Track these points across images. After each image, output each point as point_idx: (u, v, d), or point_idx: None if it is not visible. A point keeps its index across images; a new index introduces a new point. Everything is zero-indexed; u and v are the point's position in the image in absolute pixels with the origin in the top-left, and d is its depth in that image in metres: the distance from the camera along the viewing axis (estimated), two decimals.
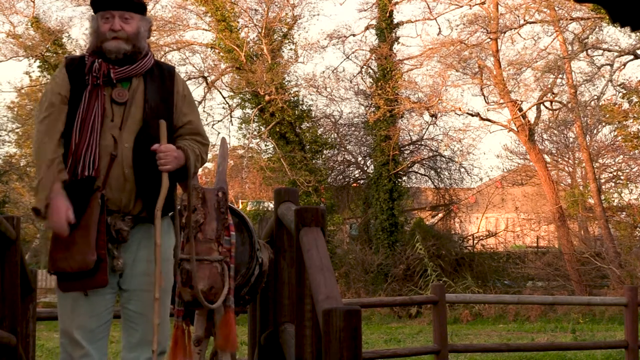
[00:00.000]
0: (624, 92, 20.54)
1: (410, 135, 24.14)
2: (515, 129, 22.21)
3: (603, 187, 23.43)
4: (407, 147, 23.98)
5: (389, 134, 21.76)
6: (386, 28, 22.51)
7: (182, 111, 3.62)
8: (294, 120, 22.24)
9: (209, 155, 3.85)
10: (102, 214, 3.40)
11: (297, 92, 23.00)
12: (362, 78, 24.20)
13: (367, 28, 23.64)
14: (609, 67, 20.71)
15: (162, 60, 23.30)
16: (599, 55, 21.45)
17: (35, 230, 30.51)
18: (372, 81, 23.34)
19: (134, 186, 3.46)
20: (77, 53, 22.30)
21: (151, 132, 3.48)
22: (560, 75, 22.00)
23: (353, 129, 25.01)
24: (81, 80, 3.49)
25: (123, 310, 3.55)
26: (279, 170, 22.49)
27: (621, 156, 24.67)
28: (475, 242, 24.01)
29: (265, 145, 23.98)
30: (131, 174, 3.45)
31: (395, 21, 23.01)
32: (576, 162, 25.49)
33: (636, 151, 21.91)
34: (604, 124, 23.11)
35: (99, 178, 3.42)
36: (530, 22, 21.63)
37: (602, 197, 22.04)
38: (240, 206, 27.91)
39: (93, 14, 3.54)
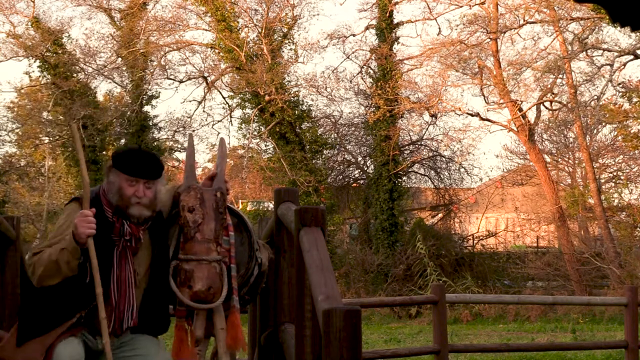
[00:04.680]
0: (624, 91, 20.51)
1: (410, 135, 24.16)
2: (515, 129, 22.20)
3: (603, 187, 23.43)
4: (407, 147, 23.96)
5: (389, 134, 21.75)
6: (386, 28, 22.50)
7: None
8: (294, 120, 22.22)
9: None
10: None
11: (297, 92, 22.98)
12: (362, 78, 24.21)
13: (367, 28, 23.64)
14: (609, 67, 20.68)
15: (162, 60, 23.46)
16: (598, 56, 21.44)
17: (35, 230, 30.50)
18: (372, 81, 23.32)
19: None
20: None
21: (159, 272, 3.79)
22: (560, 75, 21.99)
23: (353, 129, 24.99)
24: (99, 231, 3.52)
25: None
26: (279, 170, 22.47)
27: (621, 156, 24.67)
28: (475, 242, 23.98)
29: (265, 145, 23.99)
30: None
31: (395, 21, 23.01)
32: (576, 162, 25.48)
33: (636, 151, 21.90)
34: (604, 124, 23.10)
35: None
36: (530, 22, 21.62)
37: (602, 197, 22.03)
38: (240, 206, 27.90)
39: (113, 167, 3.63)
